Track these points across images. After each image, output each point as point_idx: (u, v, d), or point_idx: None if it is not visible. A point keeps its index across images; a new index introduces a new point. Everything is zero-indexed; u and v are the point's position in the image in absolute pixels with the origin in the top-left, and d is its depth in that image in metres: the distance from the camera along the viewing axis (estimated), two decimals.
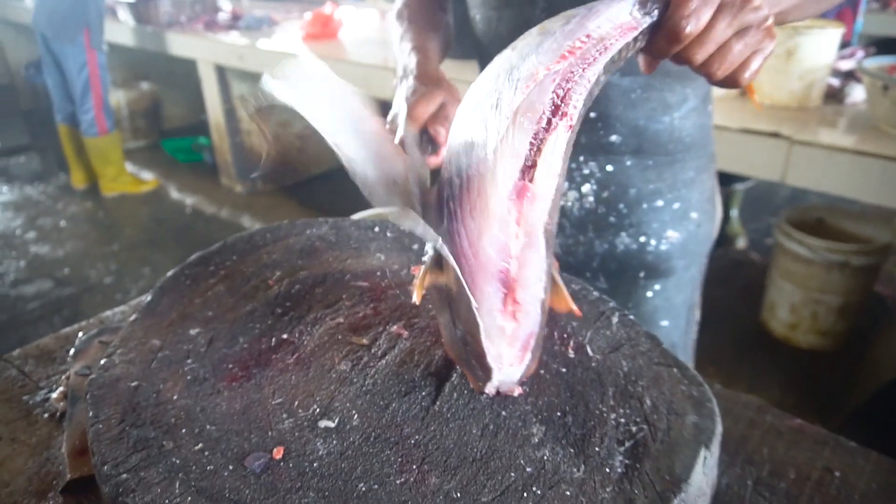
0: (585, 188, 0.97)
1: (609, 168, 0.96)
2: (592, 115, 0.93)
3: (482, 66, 1.04)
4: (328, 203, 3.89)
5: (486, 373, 0.58)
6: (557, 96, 0.50)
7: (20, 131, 5.10)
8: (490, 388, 0.60)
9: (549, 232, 0.53)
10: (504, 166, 0.50)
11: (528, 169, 0.50)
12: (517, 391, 0.61)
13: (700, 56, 0.51)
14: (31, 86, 5.30)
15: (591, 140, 0.94)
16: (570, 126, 0.51)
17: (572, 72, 0.50)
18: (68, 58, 3.54)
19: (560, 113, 0.50)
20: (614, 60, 0.51)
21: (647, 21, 0.51)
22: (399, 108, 0.76)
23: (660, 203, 0.97)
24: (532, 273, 0.53)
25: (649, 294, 1.03)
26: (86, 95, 3.64)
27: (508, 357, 0.57)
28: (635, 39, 0.51)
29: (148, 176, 4.36)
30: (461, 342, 0.58)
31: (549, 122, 0.50)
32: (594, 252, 1.00)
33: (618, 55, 0.51)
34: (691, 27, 0.49)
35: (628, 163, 0.95)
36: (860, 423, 2.02)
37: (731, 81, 0.54)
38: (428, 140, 0.76)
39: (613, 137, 0.94)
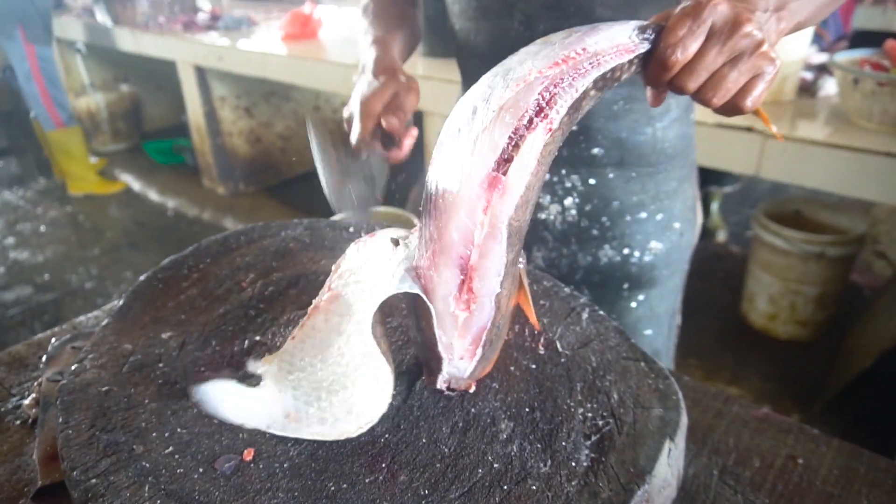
0: (568, 201, 0.97)
1: (592, 181, 0.95)
2: (574, 127, 0.91)
3: (463, 73, 1.04)
4: (310, 203, 3.88)
5: (437, 362, 0.58)
6: (543, 98, 0.52)
7: None
8: (440, 383, 0.60)
9: (514, 228, 0.54)
10: (481, 154, 0.52)
11: (504, 162, 0.52)
12: (471, 388, 0.62)
13: (692, 84, 0.52)
14: (8, 88, 5.21)
15: (573, 153, 0.94)
16: (550, 129, 0.52)
17: (562, 79, 0.52)
18: (10, 53, 3.67)
19: (542, 115, 0.52)
20: (607, 77, 0.53)
21: (644, 46, 0.53)
22: (353, 105, 0.76)
23: (643, 215, 0.97)
24: (491, 265, 0.54)
25: (633, 305, 1.03)
26: (31, 88, 3.71)
27: (459, 349, 0.58)
28: (630, 62, 0.53)
29: (128, 178, 4.33)
30: (416, 328, 0.59)
31: (530, 120, 0.52)
32: (577, 265, 1.00)
33: (611, 73, 0.53)
34: (678, 55, 0.51)
35: (611, 175, 0.95)
36: (837, 412, 2.06)
37: (732, 108, 0.54)
38: (384, 134, 0.76)
39: (596, 150, 0.93)
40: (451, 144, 0.54)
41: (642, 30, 0.53)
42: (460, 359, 0.59)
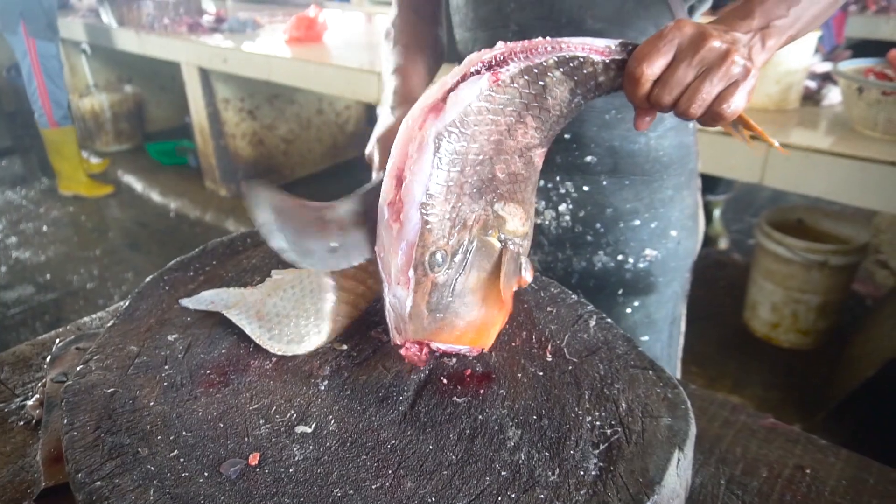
0: (562, 207, 0.97)
1: (585, 188, 0.96)
2: (567, 135, 0.92)
3: None
4: None
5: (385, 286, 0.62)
6: (496, 59, 0.59)
7: (2, 134, 5.03)
8: (395, 336, 0.63)
9: (444, 147, 0.58)
10: (432, 91, 0.61)
11: (448, 93, 0.59)
12: (424, 351, 0.64)
13: (667, 97, 0.57)
14: (12, 88, 5.22)
15: (566, 160, 0.95)
16: (497, 80, 0.58)
17: (520, 52, 0.59)
18: (14, 47, 3.71)
19: (492, 69, 0.59)
20: (573, 66, 0.59)
21: (621, 56, 0.58)
22: (372, 142, 0.77)
23: (637, 222, 0.97)
24: (417, 171, 0.58)
25: (628, 310, 1.03)
26: (31, 84, 3.73)
27: (395, 271, 0.60)
28: (606, 66, 0.59)
29: (130, 179, 4.33)
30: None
31: (479, 70, 0.59)
32: (572, 269, 1.01)
33: (578, 63, 0.58)
34: (644, 68, 0.56)
35: (605, 182, 0.95)
36: (839, 421, 2.05)
37: (713, 117, 0.57)
38: None
39: (589, 158, 0.94)
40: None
41: (624, 45, 0.59)
42: (398, 284, 0.60)
